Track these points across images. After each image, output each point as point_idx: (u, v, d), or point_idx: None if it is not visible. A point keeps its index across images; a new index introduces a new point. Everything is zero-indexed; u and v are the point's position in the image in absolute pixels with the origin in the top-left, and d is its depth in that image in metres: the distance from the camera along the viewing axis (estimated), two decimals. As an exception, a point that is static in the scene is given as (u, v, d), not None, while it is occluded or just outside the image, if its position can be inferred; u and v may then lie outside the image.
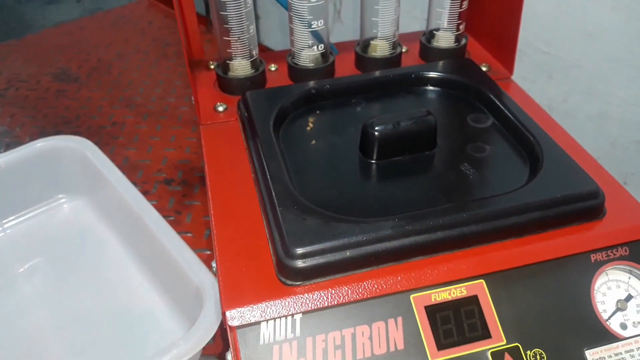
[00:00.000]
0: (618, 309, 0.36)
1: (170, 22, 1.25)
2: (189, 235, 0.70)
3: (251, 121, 0.46)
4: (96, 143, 0.71)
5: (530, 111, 0.47)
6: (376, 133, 0.42)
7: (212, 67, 0.58)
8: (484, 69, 0.56)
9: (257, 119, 0.45)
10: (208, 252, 0.67)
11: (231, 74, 0.53)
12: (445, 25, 0.57)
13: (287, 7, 0.54)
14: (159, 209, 0.65)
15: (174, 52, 1.14)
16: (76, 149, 0.70)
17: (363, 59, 0.56)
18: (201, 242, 0.69)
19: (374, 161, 0.44)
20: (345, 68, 0.57)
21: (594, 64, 0.65)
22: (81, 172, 0.71)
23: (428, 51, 0.58)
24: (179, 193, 0.76)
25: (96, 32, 1.23)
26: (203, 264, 0.54)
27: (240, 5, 0.50)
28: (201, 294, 0.50)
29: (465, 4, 0.56)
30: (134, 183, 0.66)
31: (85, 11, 1.46)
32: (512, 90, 0.54)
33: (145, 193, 0.75)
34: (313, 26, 0.53)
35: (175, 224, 0.71)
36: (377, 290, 0.34)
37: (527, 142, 0.43)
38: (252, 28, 0.52)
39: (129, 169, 0.80)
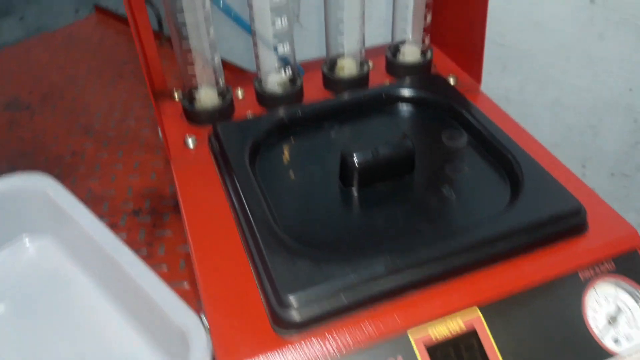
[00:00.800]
0: (609, 324, 0.37)
1: (123, 38, 1.21)
2: (164, 267, 0.68)
3: (225, 156, 0.44)
4: (56, 176, 0.68)
5: (502, 124, 0.47)
6: (356, 163, 0.41)
7: (176, 97, 0.56)
8: (451, 81, 0.55)
9: (231, 154, 0.44)
10: (186, 285, 0.65)
11: (198, 105, 0.52)
12: (410, 38, 0.57)
13: (249, 30, 0.52)
14: (130, 242, 0.63)
15: (130, 71, 1.10)
16: (37, 187, 0.67)
17: (331, 80, 0.55)
18: (177, 274, 0.67)
19: (354, 189, 0.43)
20: (313, 88, 0.56)
21: (545, 53, 0.66)
22: (44, 210, 0.68)
23: (394, 66, 0.57)
24: (148, 224, 0.74)
25: (44, 54, 1.18)
26: (183, 302, 0.52)
27: (202, 34, 0.48)
28: (185, 336, 0.48)
29: (429, 18, 0.56)
30: (101, 216, 0.64)
31: (29, 30, 1.39)
32: (482, 102, 0.54)
33: (113, 226, 0.73)
34: (279, 50, 0.51)
35: (149, 257, 0.68)
36: (375, 332, 0.33)
37: (506, 160, 0.43)
38: (217, 57, 0.51)
39: (94, 202, 0.77)
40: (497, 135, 0.45)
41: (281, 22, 0.49)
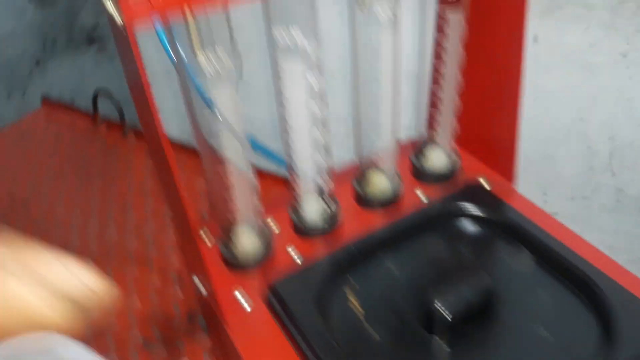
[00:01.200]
0: None
1: (78, 133, 1.13)
2: (193, 407, 0.62)
3: (293, 319, 0.41)
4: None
5: (549, 226, 0.47)
6: (449, 318, 0.39)
7: (206, 240, 0.51)
8: (483, 182, 0.55)
9: (300, 316, 0.41)
10: None
11: (239, 251, 0.48)
12: (436, 142, 0.56)
13: (282, 163, 0.50)
14: (149, 383, 0.57)
15: (97, 171, 1.03)
16: (40, 345, 0.59)
17: (365, 200, 0.53)
18: (210, 414, 0.61)
19: (442, 339, 0.40)
20: (347, 206, 0.54)
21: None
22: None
23: (423, 174, 0.56)
24: (165, 357, 0.68)
25: (-3, 160, 1.09)
26: None
27: (244, 178, 0.45)
28: None
29: (455, 123, 0.55)
30: (107, 355, 0.58)
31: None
32: (519, 203, 0.53)
33: (125, 365, 0.66)
34: (318, 182, 0.49)
35: (173, 397, 0.63)
36: None
37: (582, 282, 0.42)
38: (256, 198, 0.47)
39: (96, 336, 0.70)
40: (567, 256, 0.44)
41: (321, 156, 0.47)
